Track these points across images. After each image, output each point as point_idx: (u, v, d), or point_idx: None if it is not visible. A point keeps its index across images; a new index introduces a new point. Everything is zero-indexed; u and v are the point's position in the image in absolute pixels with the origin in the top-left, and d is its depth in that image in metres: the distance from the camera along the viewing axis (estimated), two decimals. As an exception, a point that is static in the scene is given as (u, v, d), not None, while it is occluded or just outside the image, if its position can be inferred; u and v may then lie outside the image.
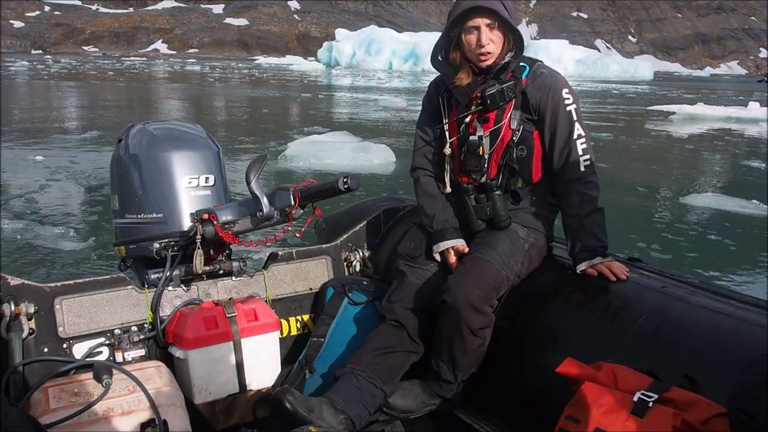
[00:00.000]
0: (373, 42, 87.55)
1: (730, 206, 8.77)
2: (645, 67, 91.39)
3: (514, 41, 2.31)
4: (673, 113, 24.59)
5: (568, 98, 2.32)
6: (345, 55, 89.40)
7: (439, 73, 2.46)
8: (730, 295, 1.98)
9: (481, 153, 2.32)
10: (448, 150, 2.41)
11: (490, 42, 2.26)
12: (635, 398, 1.63)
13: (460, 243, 2.37)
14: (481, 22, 2.25)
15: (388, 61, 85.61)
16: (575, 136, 2.30)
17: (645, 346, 1.87)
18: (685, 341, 1.82)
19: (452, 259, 2.35)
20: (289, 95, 31.79)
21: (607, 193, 2.51)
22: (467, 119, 2.36)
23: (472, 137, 2.33)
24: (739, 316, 1.82)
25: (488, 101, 2.28)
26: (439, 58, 2.41)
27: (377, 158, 10.93)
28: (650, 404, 1.60)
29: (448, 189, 2.46)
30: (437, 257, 2.39)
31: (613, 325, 1.99)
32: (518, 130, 2.31)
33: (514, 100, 2.31)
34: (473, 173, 2.37)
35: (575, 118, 2.31)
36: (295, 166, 10.36)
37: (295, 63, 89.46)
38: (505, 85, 2.28)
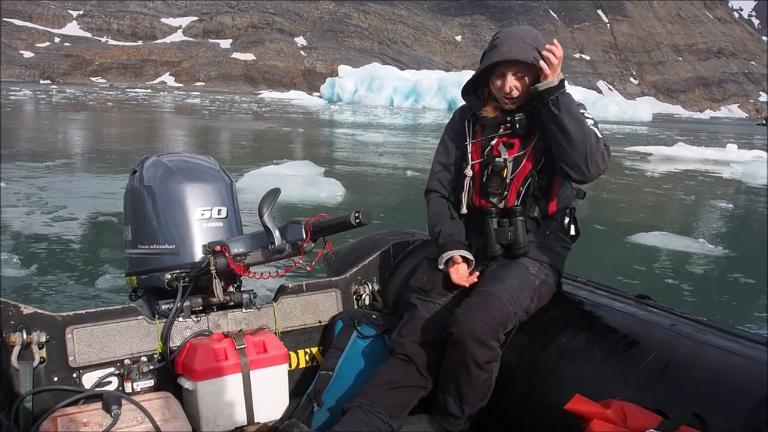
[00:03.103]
0: (375, 79, 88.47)
1: (675, 245, 8.83)
2: (644, 108, 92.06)
3: None
4: (650, 154, 24.97)
5: (587, 113, 2.35)
6: (347, 91, 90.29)
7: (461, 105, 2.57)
8: (739, 334, 1.99)
9: (505, 176, 2.37)
10: (469, 172, 2.46)
11: (515, 89, 2.34)
12: (645, 437, 1.63)
13: (462, 252, 2.40)
14: (507, 71, 2.33)
15: (389, 97, 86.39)
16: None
17: (654, 384, 1.87)
18: (694, 380, 1.82)
19: (452, 267, 2.39)
20: (274, 128, 31.80)
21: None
22: (493, 142, 2.42)
23: (497, 159, 2.39)
24: (748, 354, 1.82)
25: (517, 126, 2.36)
26: (470, 91, 2.51)
27: (324, 192, 11.17)
28: (660, 443, 1.60)
29: (464, 210, 2.49)
30: (441, 267, 2.41)
31: (622, 362, 2.00)
32: (541, 160, 2.37)
33: (539, 132, 2.37)
34: (493, 196, 2.41)
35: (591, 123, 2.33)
36: (240, 198, 10.43)
37: (297, 98, 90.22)
38: (535, 114, 2.35)
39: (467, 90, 2.51)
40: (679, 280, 7.18)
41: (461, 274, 2.39)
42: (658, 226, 9.97)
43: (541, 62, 2.23)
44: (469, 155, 2.47)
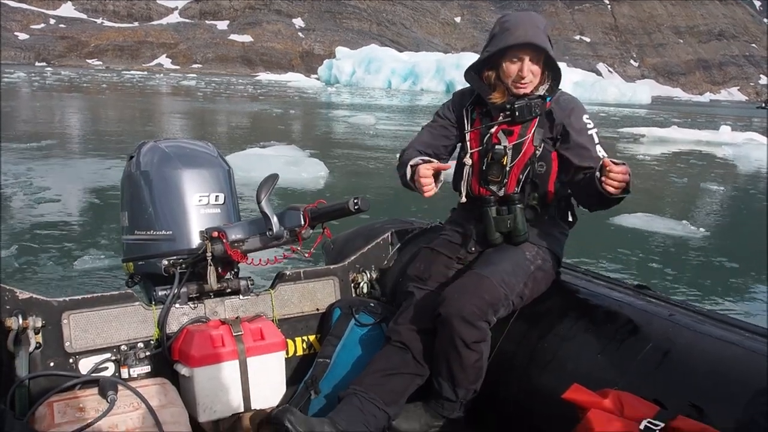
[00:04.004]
0: (372, 60, 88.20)
1: (658, 227, 8.84)
2: (643, 91, 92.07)
3: (550, 76, 2.39)
4: (643, 135, 24.95)
5: (589, 123, 2.38)
6: (345, 73, 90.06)
7: (459, 88, 2.53)
8: (737, 324, 1.98)
9: (505, 163, 2.36)
10: (468, 160, 2.45)
11: (530, 74, 2.32)
12: (642, 426, 1.63)
13: (421, 159, 2.37)
14: (525, 55, 2.31)
15: (387, 79, 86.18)
16: (600, 156, 2.31)
17: (652, 374, 1.88)
18: (692, 370, 1.82)
19: (417, 175, 2.32)
20: (267, 110, 31.64)
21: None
22: (492, 130, 2.41)
23: (498, 147, 2.37)
24: (746, 345, 1.82)
25: (516, 113, 2.34)
26: (472, 72, 2.47)
27: (306, 172, 11.09)
28: (657, 432, 1.60)
29: (464, 199, 2.48)
30: (408, 177, 2.38)
31: (620, 352, 2.00)
32: (539, 147, 2.36)
33: (538, 119, 2.36)
34: (492, 184, 2.40)
35: (596, 141, 2.36)
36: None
37: (294, 80, 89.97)
38: (534, 101, 2.34)
39: (470, 73, 2.48)
40: (663, 264, 7.21)
41: (423, 173, 2.30)
42: (643, 208, 9.97)
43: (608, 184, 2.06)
44: (468, 143, 2.46)
